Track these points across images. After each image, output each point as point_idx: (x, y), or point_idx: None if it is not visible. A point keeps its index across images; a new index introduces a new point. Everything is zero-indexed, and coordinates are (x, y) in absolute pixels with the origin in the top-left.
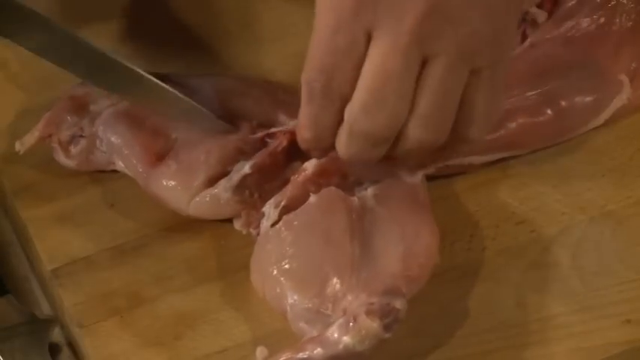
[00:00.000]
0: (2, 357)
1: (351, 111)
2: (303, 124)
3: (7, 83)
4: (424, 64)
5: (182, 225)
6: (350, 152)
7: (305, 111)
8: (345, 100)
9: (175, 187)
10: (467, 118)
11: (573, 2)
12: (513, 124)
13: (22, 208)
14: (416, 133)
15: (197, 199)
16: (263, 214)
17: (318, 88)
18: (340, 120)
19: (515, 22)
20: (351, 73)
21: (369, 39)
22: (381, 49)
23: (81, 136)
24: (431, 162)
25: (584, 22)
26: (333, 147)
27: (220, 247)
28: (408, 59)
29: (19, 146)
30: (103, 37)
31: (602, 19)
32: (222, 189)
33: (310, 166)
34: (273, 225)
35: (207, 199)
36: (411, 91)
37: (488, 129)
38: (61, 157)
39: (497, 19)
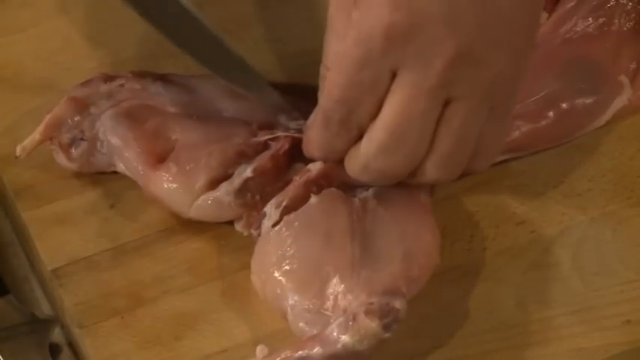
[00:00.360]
0: (2, 357)
1: (368, 149)
2: (315, 145)
3: (6, 83)
4: (446, 104)
5: (182, 225)
6: (361, 180)
7: (318, 133)
8: (362, 130)
9: (177, 189)
10: (478, 153)
11: (573, 2)
12: (515, 129)
13: (22, 208)
14: (432, 172)
15: (198, 202)
16: (264, 214)
17: (336, 119)
18: (352, 144)
19: (530, 54)
20: (372, 108)
21: (393, 76)
22: (406, 89)
23: (82, 138)
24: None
25: (584, 23)
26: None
27: (221, 248)
28: (432, 101)
29: (20, 151)
30: (107, 38)
31: (602, 20)
32: (224, 192)
33: (314, 168)
34: (274, 225)
35: (209, 202)
36: (432, 131)
37: (494, 160)
38: (62, 160)
39: (519, 58)
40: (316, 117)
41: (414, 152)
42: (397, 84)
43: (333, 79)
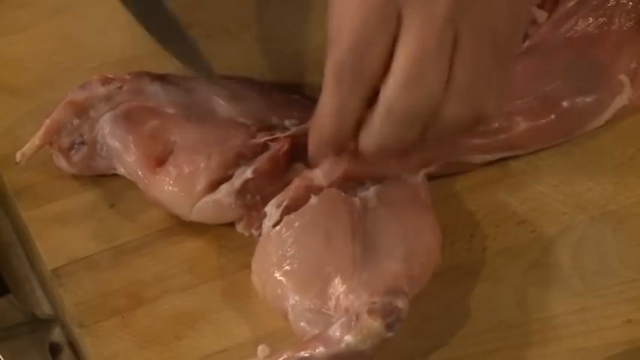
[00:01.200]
0: (2, 357)
1: (389, 90)
2: (327, 112)
3: (6, 83)
4: (455, 41)
5: (182, 225)
6: (382, 135)
7: (329, 98)
8: (375, 83)
9: (177, 193)
10: (489, 93)
11: (573, 2)
12: (515, 126)
13: (22, 208)
14: (453, 109)
15: (199, 205)
16: (264, 214)
17: (348, 68)
18: (365, 109)
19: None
20: (383, 50)
21: (399, 18)
22: (416, 28)
23: (82, 142)
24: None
25: (584, 22)
26: (345, 145)
27: (221, 247)
28: (443, 37)
29: (20, 157)
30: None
31: (602, 19)
32: (225, 194)
33: (317, 178)
34: (274, 225)
35: (210, 204)
36: (447, 67)
37: (503, 105)
38: (62, 164)
39: (518, 3)
40: (326, 78)
41: (434, 89)
42: (406, 25)
43: (341, 26)
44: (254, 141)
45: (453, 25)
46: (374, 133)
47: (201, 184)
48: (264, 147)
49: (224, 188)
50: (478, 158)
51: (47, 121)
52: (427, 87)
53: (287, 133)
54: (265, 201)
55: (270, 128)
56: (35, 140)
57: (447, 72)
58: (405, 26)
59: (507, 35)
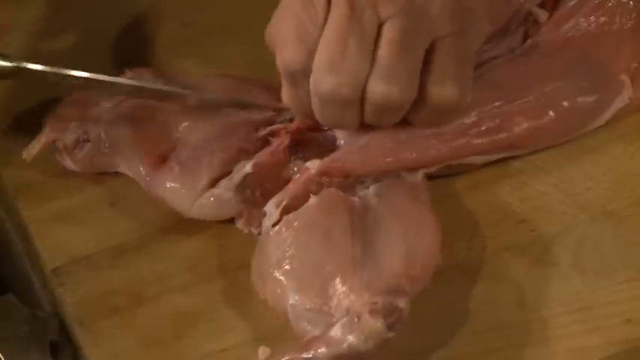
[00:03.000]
0: (3, 356)
1: (314, 72)
2: (287, 103)
3: (7, 83)
4: (381, 22)
5: (183, 224)
6: (323, 117)
7: (284, 90)
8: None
9: (179, 189)
10: (438, 78)
11: (574, 2)
12: (515, 126)
13: (22, 207)
14: (378, 86)
15: (200, 200)
16: (264, 213)
17: (290, 68)
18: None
19: (484, 5)
20: (319, 20)
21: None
22: (335, 11)
23: (86, 140)
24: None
25: (585, 22)
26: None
27: (221, 246)
28: (363, 17)
29: (27, 154)
30: (103, 37)
31: (603, 19)
32: (224, 188)
33: (313, 166)
34: (274, 225)
35: (211, 199)
36: (372, 47)
37: (461, 92)
38: (66, 161)
39: None
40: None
41: (357, 67)
42: (331, 8)
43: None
44: (256, 135)
45: (374, 7)
46: (317, 115)
47: (203, 180)
48: (265, 142)
49: (224, 183)
50: (479, 159)
51: (52, 118)
52: (350, 66)
53: (287, 129)
54: (265, 197)
55: (271, 124)
56: (41, 137)
57: (370, 52)
58: (331, 10)
59: (452, 28)
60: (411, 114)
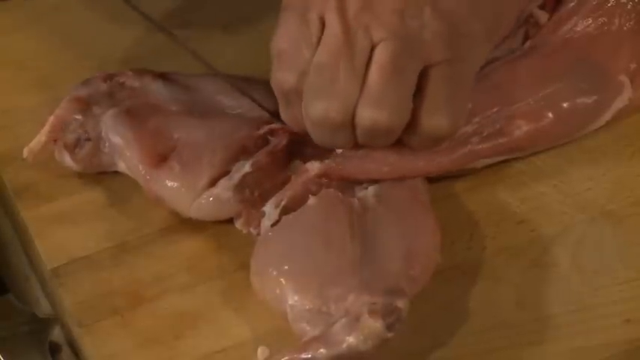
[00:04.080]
0: (2, 356)
1: (305, 96)
2: (285, 120)
3: (6, 83)
4: (373, 46)
5: (182, 224)
6: (316, 138)
7: (281, 109)
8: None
9: (179, 188)
10: (430, 107)
11: (573, 3)
12: (516, 130)
13: (22, 207)
14: (366, 111)
15: (199, 200)
16: (263, 214)
17: (284, 87)
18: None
19: (483, 29)
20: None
21: (323, 23)
22: (329, 31)
23: (87, 138)
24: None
25: (584, 23)
26: None
27: (220, 246)
28: (356, 40)
29: (27, 153)
30: (105, 37)
31: (602, 20)
32: (223, 188)
33: (312, 168)
34: (273, 225)
35: (209, 199)
36: (361, 73)
37: (453, 121)
38: (66, 160)
39: (451, 20)
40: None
41: (346, 92)
42: (325, 28)
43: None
44: (257, 133)
45: (366, 30)
46: (311, 135)
47: (203, 179)
48: (265, 141)
49: (222, 183)
50: (479, 163)
51: (52, 117)
52: (338, 92)
53: (286, 128)
54: (264, 197)
55: (271, 122)
56: (41, 137)
57: (360, 77)
58: (324, 29)
59: (446, 54)
60: (405, 136)
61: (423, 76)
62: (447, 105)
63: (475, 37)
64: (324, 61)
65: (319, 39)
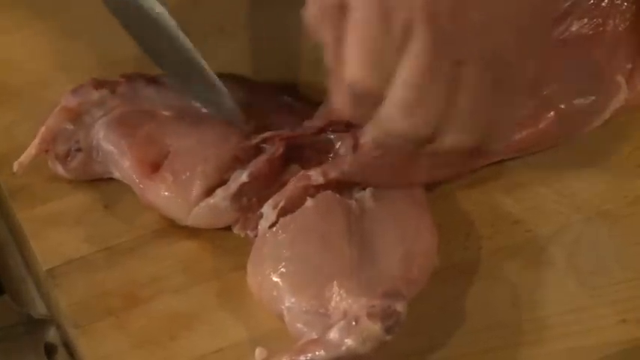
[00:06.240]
0: None
1: (388, 108)
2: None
3: (3, 83)
4: (460, 66)
5: (177, 226)
6: (378, 144)
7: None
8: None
9: (174, 199)
10: (491, 127)
11: (568, 3)
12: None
13: (17, 208)
14: (452, 133)
15: (196, 210)
16: (261, 215)
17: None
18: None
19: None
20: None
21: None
22: (421, 44)
23: (78, 149)
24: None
25: (579, 24)
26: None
27: (216, 248)
28: (442, 63)
29: (17, 167)
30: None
31: (597, 20)
32: (221, 198)
33: (316, 177)
34: (270, 226)
35: (206, 209)
36: (447, 93)
37: (508, 139)
38: (58, 170)
39: (524, 34)
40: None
41: (434, 111)
42: (413, 41)
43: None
44: (248, 143)
45: (455, 49)
46: (372, 136)
47: (197, 189)
48: (259, 149)
49: (220, 193)
50: (477, 164)
51: (42, 129)
52: (424, 113)
53: (281, 135)
54: (261, 202)
55: (265, 130)
56: (31, 149)
57: (446, 98)
58: (411, 42)
59: (513, 65)
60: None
61: None
62: (505, 123)
63: (534, 52)
64: (414, 81)
65: (404, 43)
